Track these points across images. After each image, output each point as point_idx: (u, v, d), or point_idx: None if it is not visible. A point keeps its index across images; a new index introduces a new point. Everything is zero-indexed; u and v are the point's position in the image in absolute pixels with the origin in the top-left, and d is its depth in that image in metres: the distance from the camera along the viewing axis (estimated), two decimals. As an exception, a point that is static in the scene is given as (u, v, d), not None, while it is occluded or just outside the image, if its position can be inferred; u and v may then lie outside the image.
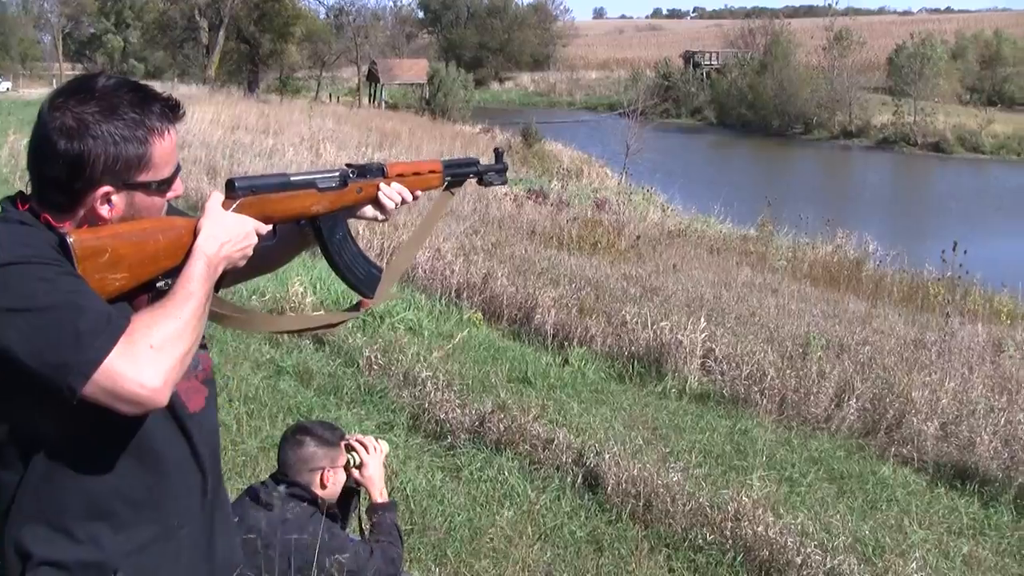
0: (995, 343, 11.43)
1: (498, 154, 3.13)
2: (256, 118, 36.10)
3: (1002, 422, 8.19)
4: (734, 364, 9.34)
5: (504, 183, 3.14)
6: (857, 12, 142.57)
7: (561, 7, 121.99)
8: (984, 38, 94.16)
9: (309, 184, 2.53)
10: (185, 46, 67.15)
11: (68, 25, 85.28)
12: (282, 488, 3.64)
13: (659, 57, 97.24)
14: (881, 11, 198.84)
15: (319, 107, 49.33)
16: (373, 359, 8.46)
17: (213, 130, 29.04)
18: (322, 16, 74.22)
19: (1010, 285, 17.56)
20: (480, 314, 10.84)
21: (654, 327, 10.01)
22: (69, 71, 76.57)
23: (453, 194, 2.97)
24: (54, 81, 61.60)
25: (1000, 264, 21.06)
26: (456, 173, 2.94)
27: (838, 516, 6.39)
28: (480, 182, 3.04)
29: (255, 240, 2.35)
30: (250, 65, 66.12)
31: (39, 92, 46.07)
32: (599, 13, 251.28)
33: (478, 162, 3.04)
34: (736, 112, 74.66)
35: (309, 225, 2.60)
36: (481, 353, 9.55)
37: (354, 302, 2.82)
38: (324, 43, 70.67)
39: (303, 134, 32.41)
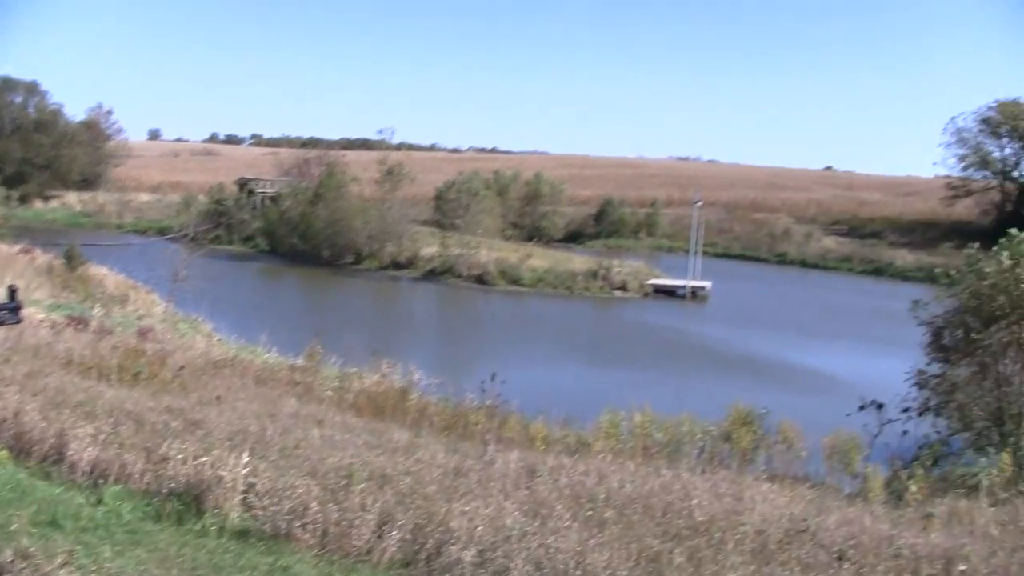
0: (529, 468, 11.99)
1: (11, 291, 3.01)
2: None
3: (535, 546, 8.54)
4: (276, 499, 9.25)
5: (18, 321, 3.02)
6: (410, 147, 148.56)
7: (115, 126, 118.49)
8: (525, 179, 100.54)
9: None
10: None
11: None
12: None
13: (214, 182, 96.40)
14: (432, 148, 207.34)
15: None
16: None
17: None
18: None
19: (545, 412, 18.59)
20: (7, 451, 10.17)
21: (195, 462, 9.77)
22: None
23: None
24: None
25: (536, 392, 22.27)
26: None
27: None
28: None
29: None
30: None
31: None
32: (155, 134, 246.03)
33: None
34: (289, 240, 74.98)
35: None
36: (4, 495, 8.94)
37: None
38: None
39: None
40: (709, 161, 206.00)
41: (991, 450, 17.26)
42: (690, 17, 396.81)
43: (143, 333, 22.63)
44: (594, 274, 64.67)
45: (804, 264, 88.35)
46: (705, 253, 72.10)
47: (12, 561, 6.84)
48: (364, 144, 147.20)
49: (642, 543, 8.99)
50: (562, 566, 8.28)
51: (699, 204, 74.30)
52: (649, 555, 8.73)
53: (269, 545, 8.74)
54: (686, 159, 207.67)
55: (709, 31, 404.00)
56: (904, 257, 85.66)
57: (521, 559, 8.30)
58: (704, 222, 75.87)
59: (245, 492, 9.46)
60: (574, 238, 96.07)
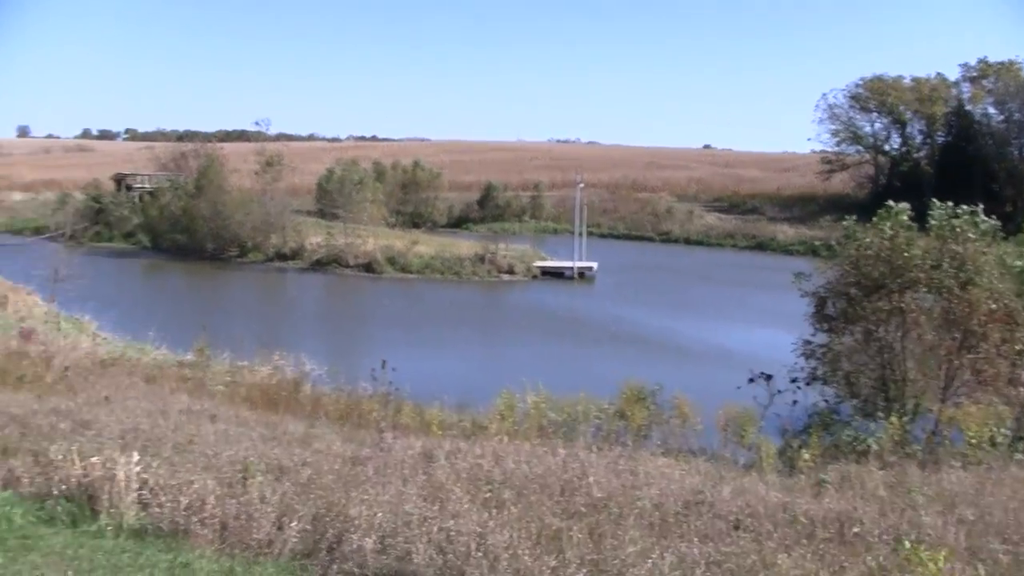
0: (427, 454, 12.02)
1: None
2: None
3: (435, 530, 8.56)
4: (172, 495, 9.12)
5: None
6: (289, 138, 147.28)
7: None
8: (402, 166, 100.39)
9: None
10: None
11: None
12: None
13: (89, 178, 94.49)
14: (311, 137, 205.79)
15: None
16: None
17: None
18: None
19: (439, 397, 18.62)
20: None
21: (84, 463, 9.59)
22: None
23: None
24: None
25: (429, 378, 22.28)
26: None
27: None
28: None
29: None
30: None
31: None
32: (23, 131, 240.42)
33: None
34: (170, 236, 73.87)
35: None
36: None
37: None
38: None
39: None
40: (589, 143, 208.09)
41: (879, 415, 17.68)
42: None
43: (25, 335, 22.14)
44: (481, 258, 64.93)
45: (688, 241, 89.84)
46: (590, 234, 72.79)
47: None
48: (241, 136, 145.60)
49: (542, 522, 9.06)
50: (463, 548, 8.31)
51: (581, 186, 74.88)
52: (549, 533, 8.80)
53: (168, 542, 8.63)
54: (566, 141, 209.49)
55: (584, 13, 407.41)
56: (785, 232, 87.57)
57: (423, 543, 8.31)
58: (587, 203, 76.55)
59: (139, 490, 9.31)
60: (459, 223, 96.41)
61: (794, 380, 19.64)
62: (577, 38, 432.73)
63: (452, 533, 8.57)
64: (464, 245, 69.51)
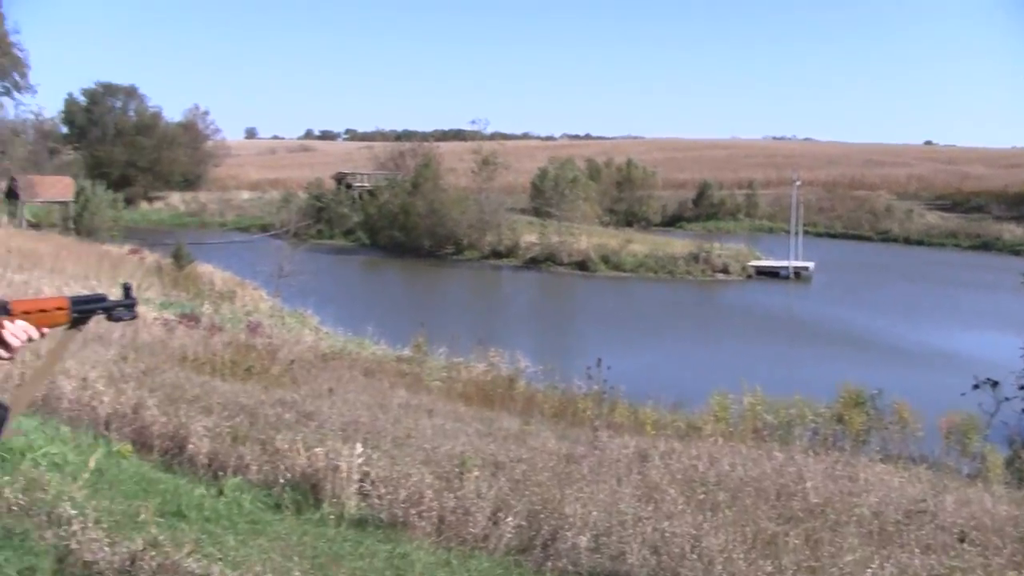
0: (641, 454, 11.99)
1: (127, 289, 3.11)
2: None
3: (649, 530, 8.53)
4: (391, 487, 9.33)
5: (134, 317, 3.11)
6: (503, 137, 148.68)
7: (212, 126, 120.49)
8: (616, 164, 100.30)
9: None
10: None
11: None
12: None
13: (311, 178, 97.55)
14: (526, 136, 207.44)
15: (-50, 226, 46.68)
16: (12, 499, 7.94)
17: None
18: (-43, 130, 70.50)
19: (653, 397, 18.56)
20: (130, 445, 10.40)
21: (309, 453, 9.89)
22: None
23: (80, 330, 2.92)
24: None
25: (645, 377, 22.24)
26: (83, 309, 2.90)
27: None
28: (109, 318, 3.02)
29: None
30: None
31: None
32: (251, 133, 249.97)
33: (106, 298, 3.01)
34: (389, 233, 75.58)
35: None
36: (131, 487, 9.15)
37: None
38: (-43, 157, 67.07)
39: (-68, 255, 30.51)
40: (805, 140, 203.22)
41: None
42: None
43: (252, 328, 22.97)
44: (695, 257, 64.40)
45: (908, 241, 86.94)
46: (806, 233, 71.26)
47: (143, 549, 7.02)
48: (458, 135, 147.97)
49: (757, 526, 8.93)
50: (678, 550, 8.26)
51: (797, 183, 73.48)
52: (765, 538, 8.66)
53: (387, 533, 8.83)
54: (782, 139, 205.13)
55: (801, 6, 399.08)
56: (1012, 231, 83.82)
57: (637, 543, 8.29)
58: (803, 201, 74.98)
59: (360, 481, 9.56)
60: (672, 222, 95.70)
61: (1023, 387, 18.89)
62: (795, 31, 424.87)
63: (667, 534, 8.52)
64: (678, 244, 69.07)
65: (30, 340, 2.68)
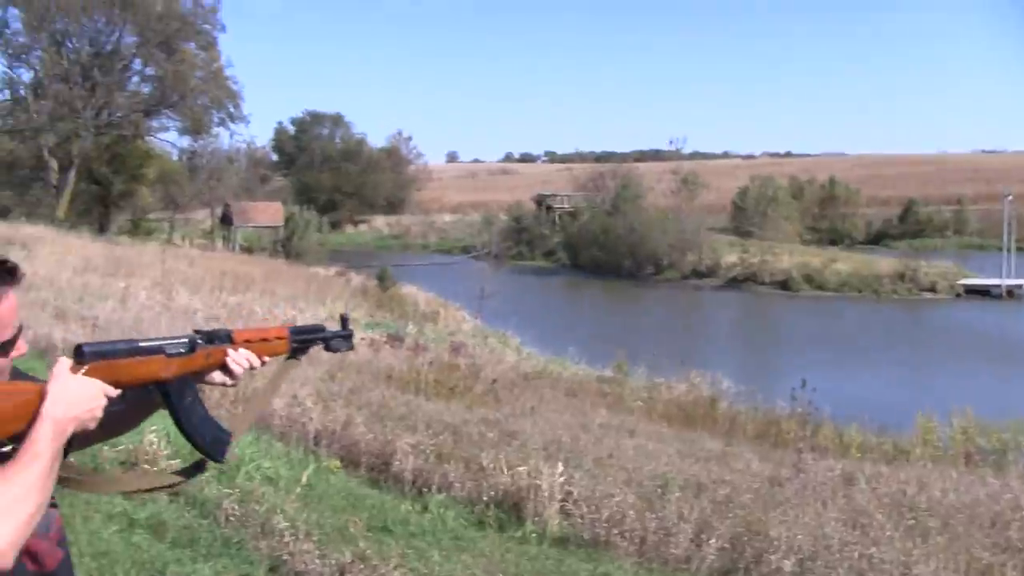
0: (846, 477, 11.70)
1: (344, 320, 3.19)
2: (107, 260, 35.52)
3: (856, 556, 8.32)
4: (593, 507, 9.33)
5: (351, 348, 3.18)
6: (703, 156, 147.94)
7: (414, 151, 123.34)
8: (819, 182, 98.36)
9: (157, 350, 2.55)
10: (33, 186, 66.02)
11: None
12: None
13: (511, 200, 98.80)
14: (725, 155, 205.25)
15: (172, 249, 48.84)
16: (229, 509, 8.25)
17: (61, 272, 28.40)
18: (175, 158, 73.79)
19: (858, 419, 18.09)
20: (338, 461, 10.68)
21: (512, 472, 9.97)
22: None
23: (299, 360, 3.00)
24: None
25: (849, 398, 21.70)
26: (302, 340, 2.98)
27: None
28: (327, 348, 3.09)
29: (103, 402, 2.35)
30: (101, 206, 65.38)
31: None
32: (452, 157, 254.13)
33: (324, 329, 3.09)
34: (589, 254, 75.80)
35: (158, 389, 2.60)
36: (340, 501, 9.40)
37: (196, 461, 2.82)
38: (177, 185, 70.18)
39: (155, 277, 31.94)
40: (1016, 152, 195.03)
41: None
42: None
43: (455, 348, 23.31)
44: (901, 276, 62.66)
45: None
46: (1020, 250, 68.44)
47: (352, 562, 7.20)
48: (656, 155, 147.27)
49: (970, 554, 8.59)
50: (887, 577, 8.04)
51: (1009, 198, 70.62)
52: (979, 568, 8.34)
53: (588, 552, 8.83)
54: (992, 151, 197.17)
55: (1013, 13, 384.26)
56: None
57: (843, 569, 8.09)
58: (1017, 216, 72.04)
59: (563, 500, 9.59)
60: (877, 240, 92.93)
61: None
62: (1000, 42, 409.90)
63: (875, 560, 8.29)
64: (883, 262, 67.26)
65: (252, 368, 2.78)
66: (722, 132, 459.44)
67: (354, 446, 11.06)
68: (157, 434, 9.46)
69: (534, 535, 9.16)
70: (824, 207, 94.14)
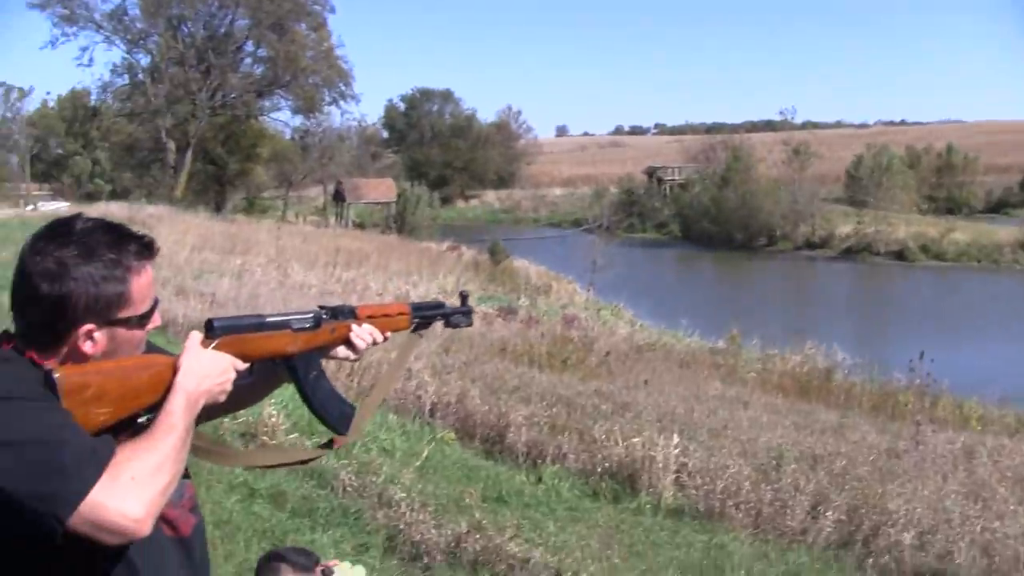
0: (967, 450, 11.47)
1: (463, 297, 3.21)
2: (223, 238, 36.24)
3: (978, 530, 8.18)
4: (708, 478, 9.29)
5: (470, 324, 3.20)
6: (815, 126, 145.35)
7: (524, 126, 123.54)
8: (935, 150, 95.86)
9: (284, 325, 2.59)
10: (152, 167, 67.62)
11: (36, 146, 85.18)
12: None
13: (622, 173, 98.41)
14: (838, 124, 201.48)
15: (286, 227, 49.56)
16: (347, 480, 8.37)
17: (180, 250, 29.03)
18: (288, 137, 74.94)
19: (979, 391, 17.68)
20: (453, 433, 10.76)
21: (626, 443, 9.96)
22: (36, 191, 76.68)
23: (421, 336, 3.03)
24: (21, 202, 61.55)
25: (968, 370, 21.23)
26: (424, 316, 3.01)
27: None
28: (447, 324, 3.11)
29: (233, 376, 2.40)
30: (217, 185, 66.73)
31: (5, 213, 46.03)
32: (562, 130, 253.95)
33: (444, 305, 3.12)
34: (700, 226, 75.22)
35: (284, 364, 2.64)
36: (455, 472, 9.47)
37: (327, 439, 2.85)
38: (290, 163, 71.30)
39: (270, 254, 32.48)
40: None
41: None
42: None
43: (568, 321, 23.33)
44: (1022, 245, 60.98)
45: None
46: None
47: (467, 532, 7.26)
48: (768, 126, 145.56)
49: (1098, 531, 8.38)
50: (1011, 552, 7.87)
51: None
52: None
53: (703, 523, 8.80)
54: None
55: None
56: None
57: (965, 543, 7.95)
58: None
59: (677, 472, 9.56)
60: (996, 208, 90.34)
61: None
62: None
63: (998, 535, 8.14)
64: (1003, 232, 65.56)
65: (374, 343, 2.81)
66: (835, 101, 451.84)
67: (469, 418, 11.13)
68: (276, 407, 9.62)
69: (648, 506, 9.15)
70: (941, 175, 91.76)
